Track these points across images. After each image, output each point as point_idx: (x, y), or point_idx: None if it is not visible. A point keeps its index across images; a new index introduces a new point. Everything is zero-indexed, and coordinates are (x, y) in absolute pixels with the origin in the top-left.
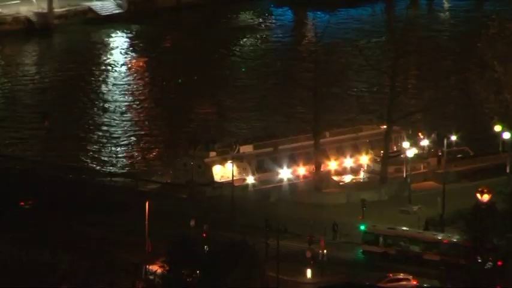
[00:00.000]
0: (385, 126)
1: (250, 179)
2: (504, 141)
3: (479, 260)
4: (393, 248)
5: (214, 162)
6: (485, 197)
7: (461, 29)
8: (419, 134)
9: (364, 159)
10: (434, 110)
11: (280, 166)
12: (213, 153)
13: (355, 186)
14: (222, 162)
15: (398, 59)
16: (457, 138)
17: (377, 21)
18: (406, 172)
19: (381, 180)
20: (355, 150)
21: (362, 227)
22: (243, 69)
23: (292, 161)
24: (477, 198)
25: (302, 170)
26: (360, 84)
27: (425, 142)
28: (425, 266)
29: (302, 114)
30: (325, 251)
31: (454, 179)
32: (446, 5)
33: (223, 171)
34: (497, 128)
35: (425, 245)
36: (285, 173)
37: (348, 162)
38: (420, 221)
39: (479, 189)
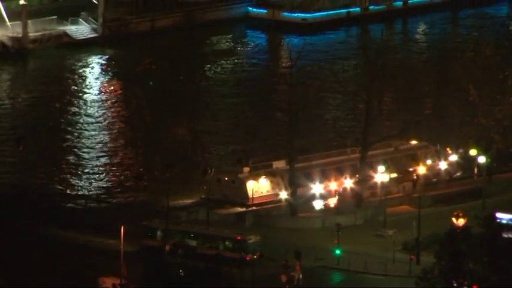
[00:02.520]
0: (415, 142)
1: (283, 194)
2: (479, 165)
3: (455, 284)
4: (170, 242)
5: (248, 178)
6: (461, 221)
7: (437, 52)
8: (448, 149)
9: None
10: (410, 133)
11: (313, 181)
12: (246, 169)
13: (330, 210)
14: (256, 177)
15: (374, 82)
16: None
17: (352, 44)
18: (381, 196)
19: (356, 204)
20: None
21: (337, 251)
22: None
23: (325, 176)
24: (452, 222)
25: (334, 185)
26: (335, 107)
27: (453, 157)
28: (201, 260)
29: (278, 137)
30: (300, 275)
31: (429, 203)
32: (421, 29)
33: (257, 187)
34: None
35: (202, 239)
36: (317, 188)
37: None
38: (396, 245)
39: (455, 213)
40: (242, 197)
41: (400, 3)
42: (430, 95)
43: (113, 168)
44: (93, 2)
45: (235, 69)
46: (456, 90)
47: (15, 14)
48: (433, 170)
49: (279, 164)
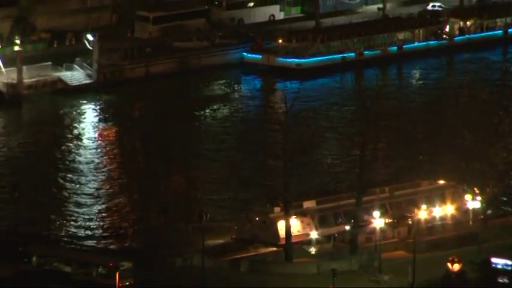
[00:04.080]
0: (442, 181)
1: (313, 234)
2: (474, 210)
3: None
4: (46, 267)
5: (278, 218)
6: (456, 266)
7: (432, 97)
8: (475, 189)
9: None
10: (405, 178)
11: (344, 221)
12: (277, 209)
13: (325, 255)
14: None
15: (369, 127)
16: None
17: (347, 89)
18: (376, 241)
19: (351, 250)
20: (414, 205)
21: None
22: None
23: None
24: (448, 267)
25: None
26: (331, 152)
27: (480, 197)
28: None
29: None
30: None
31: (424, 248)
32: (416, 73)
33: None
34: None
35: (76, 265)
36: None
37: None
38: None
39: (450, 259)
40: (273, 236)
41: (395, 48)
42: (425, 140)
43: (108, 215)
44: (88, 48)
45: (229, 114)
46: (451, 135)
47: (10, 60)
48: (461, 210)
49: (309, 204)
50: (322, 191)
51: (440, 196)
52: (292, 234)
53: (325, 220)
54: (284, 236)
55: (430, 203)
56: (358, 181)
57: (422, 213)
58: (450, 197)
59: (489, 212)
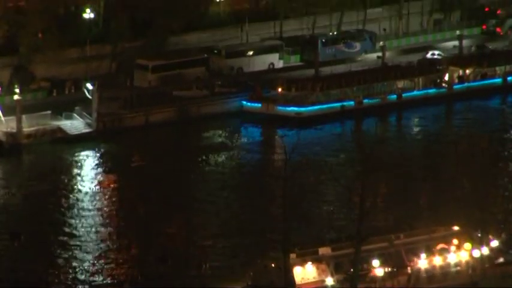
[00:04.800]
0: (456, 228)
1: (329, 281)
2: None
3: None
4: None
5: (294, 264)
6: None
7: (431, 145)
8: (489, 235)
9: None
10: (405, 227)
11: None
12: (293, 255)
13: None
14: (302, 263)
15: (368, 176)
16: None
17: (346, 138)
18: None
19: None
20: (429, 251)
21: None
22: None
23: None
24: None
25: (380, 271)
26: (330, 201)
27: (495, 243)
28: None
29: (272, 231)
30: None
31: None
32: (415, 122)
33: (304, 273)
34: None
35: None
36: None
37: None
38: None
39: None
40: (289, 283)
41: (394, 97)
42: (424, 188)
43: (107, 262)
44: (87, 97)
45: (229, 162)
46: (451, 183)
47: (9, 108)
48: (474, 256)
49: (325, 251)
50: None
51: (456, 242)
52: (308, 281)
53: (341, 266)
54: (300, 282)
55: (445, 249)
56: (357, 229)
57: (434, 259)
58: (465, 243)
59: (500, 259)
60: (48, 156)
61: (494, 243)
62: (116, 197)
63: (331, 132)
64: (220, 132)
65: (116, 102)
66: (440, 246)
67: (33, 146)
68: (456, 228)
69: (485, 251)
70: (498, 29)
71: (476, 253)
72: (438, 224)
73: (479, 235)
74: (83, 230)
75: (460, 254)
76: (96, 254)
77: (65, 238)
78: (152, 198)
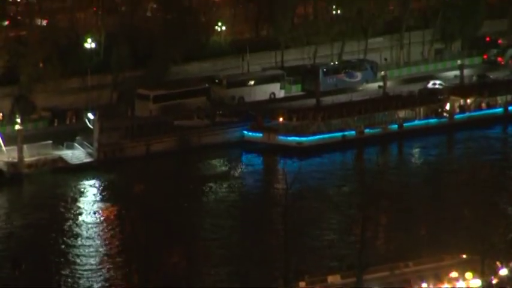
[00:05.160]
0: (464, 256)
1: None
2: None
3: None
4: None
5: None
6: None
7: (432, 175)
8: (497, 263)
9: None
10: (407, 257)
11: None
12: (302, 283)
13: None
14: None
15: (369, 206)
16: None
17: (347, 167)
18: None
19: None
20: (437, 279)
21: None
22: None
23: None
24: None
25: None
26: (331, 231)
27: (504, 271)
28: None
29: (274, 260)
30: None
31: None
32: (416, 151)
33: None
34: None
35: None
36: None
37: None
38: None
39: None
40: None
41: (395, 126)
42: (425, 218)
43: None
44: (88, 127)
45: (230, 192)
46: (452, 213)
47: (10, 138)
48: (482, 284)
49: (334, 279)
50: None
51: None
52: None
53: None
54: None
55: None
56: (359, 258)
57: None
58: (473, 271)
59: None
60: (49, 186)
61: (503, 272)
62: (116, 226)
63: (332, 162)
64: (222, 161)
65: (117, 132)
66: (448, 274)
67: (34, 175)
68: (464, 256)
69: (493, 279)
70: (499, 59)
71: (485, 281)
72: (442, 252)
73: (487, 263)
74: (84, 259)
75: (469, 282)
76: (96, 284)
77: (66, 267)
78: (153, 228)
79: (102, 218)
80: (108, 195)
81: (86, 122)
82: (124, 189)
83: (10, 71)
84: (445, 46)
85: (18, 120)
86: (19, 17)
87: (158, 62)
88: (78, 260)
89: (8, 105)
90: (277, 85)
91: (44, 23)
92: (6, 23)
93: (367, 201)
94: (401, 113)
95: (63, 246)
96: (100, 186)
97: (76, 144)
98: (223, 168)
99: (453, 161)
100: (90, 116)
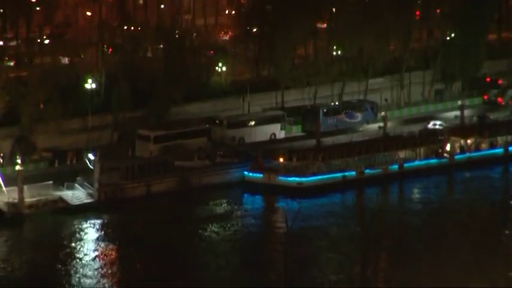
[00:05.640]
0: None
1: None
2: None
3: None
4: None
5: None
6: None
7: (432, 216)
8: None
9: None
10: None
11: None
12: None
13: None
14: None
15: (369, 246)
16: None
17: (347, 208)
18: None
19: None
20: None
21: None
22: None
23: None
24: None
25: None
26: (331, 271)
27: None
28: None
29: None
30: None
31: None
32: (417, 192)
33: None
34: None
35: None
36: None
37: None
38: None
39: None
40: None
41: (395, 166)
42: (425, 258)
43: None
44: (89, 167)
45: (230, 232)
46: (452, 254)
47: (11, 179)
48: None
49: None
50: None
51: None
52: None
53: None
54: None
55: None
56: None
57: None
58: None
59: None
60: (50, 227)
61: None
62: (117, 266)
63: (332, 202)
64: (222, 202)
65: (118, 173)
66: None
67: (34, 216)
68: None
69: None
70: (500, 99)
71: None
72: None
73: None
74: None
75: None
76: None
77: None
78: (154, 268)
79: (102, 258)
80: (108, 235)
81: (86, 163)
82: (124, 229)
83: (11, 112)
84: (445, 86)
85: (19, 160)
86: (20, 58)
87: (159, 102)
88: None
89: (9, 145)
90: (278, 126)
91: (45, 63)
92: (12, 63)
93: (367, 241)
94: (402, 154)
95: (63, 287)
96: (100, 226)
97: (76, 185)
98: (224, 209)
99: (453, 202)
100: (91, 156)
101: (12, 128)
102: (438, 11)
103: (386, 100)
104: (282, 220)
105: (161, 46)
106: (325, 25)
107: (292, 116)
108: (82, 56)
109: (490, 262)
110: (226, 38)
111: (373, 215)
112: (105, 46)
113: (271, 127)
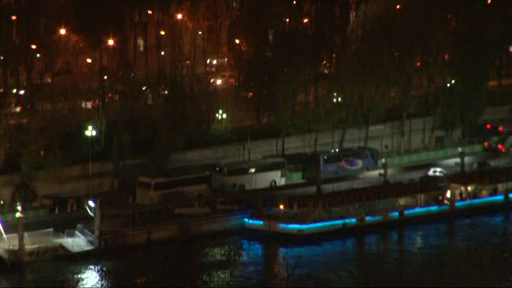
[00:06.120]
0: None
1: None
2: None
3: None
4: None
5: None
6: None
7: (432, 263)
8: None
9: None
10: None
11: None
12: None
13: None
14: None
15: None
16: None
17: (348, 255)
18: None
19: None
20: None
21: None
22: None
23: None
24: None
25: None
26: None
27: None
28: None
29: None
30: None
31: None
32: (417, 239)
33: None
34: None
35: None
36: None
37: None
38: None
39: None
40: None
41: (396, 213)
42: None
43: None
44: (89, 214)
45: (231, 280)
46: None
47: (11, 226)
48: None
49: None
50: None
51: None
52: None
53: None
54: None
55: None
56: None
57: None
58: None
59: None
60: (50, 274)
61: None
62: None
63: (332, 249)
64: (222, 249)
65: (118, 220)
66: None
67: (35, 263)
68: None
69: None
70: (500, 146)
71: None
72: None
73: None
74: None
75: None
76: None
77: None
78: None
79: None
80: (109, 283)
81: (86, 210)
82: (125, 277)
83: (11, 159)
84: (445, 133)
85: (19, 208)
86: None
87: (159, 150)
88: None
89: (9, 193)
90: (278, 173)
91: (45, 110)
92: (18, 109)
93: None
94: (402, 201)
95: None
96: (101, 274)
97: (77, 232)
98: (224, 256)
99: (454, 249)
100: (91, 203)
101: (12, 175)
102: (438, 58)
103: (386, 147)
104: (282, 267)
105: (162, 93)
106: (326, 71)
107: (293, 163)
108: (83, 106)
109: None
110: (226, 85)
111: (373, 262)
112: (106, 93)
113: (272, 174)
